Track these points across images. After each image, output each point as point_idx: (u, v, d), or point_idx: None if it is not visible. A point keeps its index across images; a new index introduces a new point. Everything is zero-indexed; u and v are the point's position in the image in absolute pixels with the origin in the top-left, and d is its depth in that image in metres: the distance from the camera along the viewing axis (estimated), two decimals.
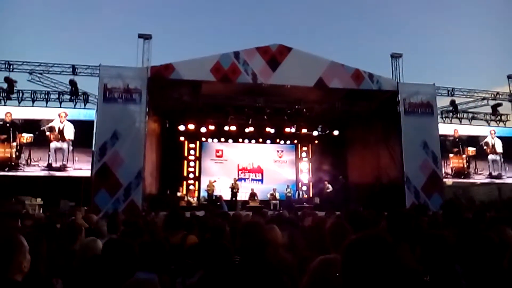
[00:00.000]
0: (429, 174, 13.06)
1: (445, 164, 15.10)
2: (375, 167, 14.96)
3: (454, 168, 15.74)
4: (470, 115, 16.77)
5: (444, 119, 16.20)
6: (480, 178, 16.39)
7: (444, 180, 14.50)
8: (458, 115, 16.49)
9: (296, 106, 14.34)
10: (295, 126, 16.84)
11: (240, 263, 2.04)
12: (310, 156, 18.94)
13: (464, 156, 15.93)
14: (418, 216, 3.77)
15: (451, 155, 15.69)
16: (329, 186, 15.89)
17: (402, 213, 2.89)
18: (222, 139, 17.64)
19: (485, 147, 16.32)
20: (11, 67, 12.97)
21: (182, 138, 17.23)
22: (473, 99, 16.47)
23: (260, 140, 17.80)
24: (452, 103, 15.95)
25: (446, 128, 15.65)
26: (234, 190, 15.49)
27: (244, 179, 17.42)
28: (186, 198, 15.36)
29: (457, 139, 15.95)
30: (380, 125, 14.64)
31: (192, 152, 17.70)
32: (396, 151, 13.47)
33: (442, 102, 16.02)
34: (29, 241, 1.93)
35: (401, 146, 13.04)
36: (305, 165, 18.86)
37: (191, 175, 17.47)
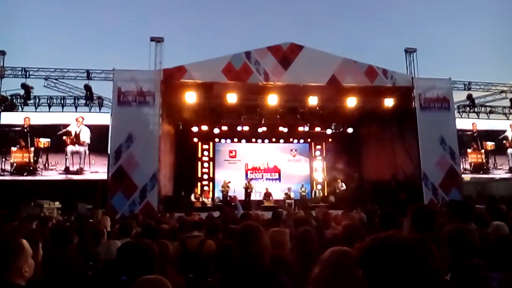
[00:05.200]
0: (447, 170, 12.81)
1: (463, 159, 14.79)
2: (391, 164, 14.75)
3: (472, 164, 15.40)
4: (488, 109, 16.40)
5: (461, 113, 15.89)
6: (499, 173, 16.01)
7: (463, 176, 14.21)
8: (476, 109, 16.14)
9: (309, 105, 14.22)
10: (308, 124, 16.74)
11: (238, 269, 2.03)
12: (324, 155, 18.80)
13: (482, 151, 15.58)
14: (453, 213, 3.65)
15: (469, 150, 15.36)
16: (343, 184, 15.74)
17: (428, 210, 2.82)
18: (235, 140, 17.66)
19: (504, 141, 15.93)
20: (28, 73, 13.24)
21: (195, 140, 17.32)
22: (491, 93, 16.10)
23: (273, 139, 17.75)
24: (469, 97, 15.63)
25: (463, 123, 15.33)
26: (248, 190, 15.48)
27: (257, 179, 17.38)
28: (201, 199, 15.42)
29: (475, 134, 15.61)
30: (395, 122, 14.43)
31: (205, 153, 17.79)
32: (412, 147, 13.26)
33: (459, 96, 15.71)
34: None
35: (417, 142, 12.82)
36: (319, 164, 18.73)
37: (205, 176, 17.55)
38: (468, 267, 2.08)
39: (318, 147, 18.84)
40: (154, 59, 13.11)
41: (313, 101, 13.52)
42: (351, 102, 13.55)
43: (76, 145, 13.19)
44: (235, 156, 17.96)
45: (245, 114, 15.08)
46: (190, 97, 12.80)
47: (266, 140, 17.75)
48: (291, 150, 18.43)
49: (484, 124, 16.03)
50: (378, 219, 3.21)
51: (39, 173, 13.19)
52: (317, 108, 14.78)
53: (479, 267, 2.14)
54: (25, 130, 13.23)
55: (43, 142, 13.16)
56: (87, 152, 13.22)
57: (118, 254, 2.24)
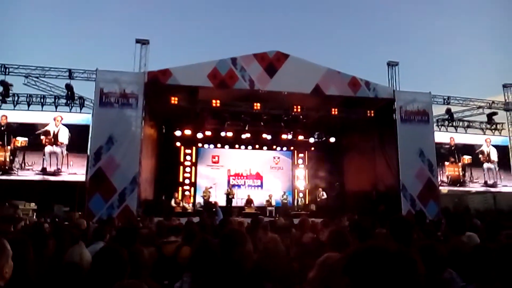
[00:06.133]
0: (425, 182, 13.08)
1: (441, 172, 15.14)
2: (371, 174, 14.96)
3: (450, 176, 15.78)
4: (466, 123, 16.85)
5: (440, 127, 16.27)
6: (475, 187, 16.44)
7: (440, 188, 14.52)
8: (454, 124, 16.57)
9: (293, 113, 14.35)
10: (291, 132, 16.84)
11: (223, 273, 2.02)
12: (306, 163, 18.91)
13: (459, 164, 15.98)
14: (418, 224, 3.75)
15: (446, 163, 15.74)
16: (324, 193, 15.86)
17: (405, 221, 2.87)
18: (219, 145, 17.59)
19: (480, 156, 16.39)
20: (7, 70, 12.89)
21: (178, 144, 17.16)
22: (469, 108, 16.57)
23: (257, 146, 17.77)
24: (448, 111, 16.04)
25: (442, 136, 15.72)
26: (230, 196, 15.41)
27: (239, 186, 17.33)
28: (181, 204, 15.25)
29: (453, 147, 16.02)
30: (376, 133, 14.67)
31: (188, 157, 17.61)
32: (392, 158, 13.49)
33: (438, 110, 16.12)
34: (16, 247, 1.87)
35: (397, 154, 13.07)
36: (301, 172, 18.82)
37: (187, 181, 17.37)
38: (438, 281, 2.13)
39: (301, 155, 18.94)
40: (139, 61, 13.00)
41: (296, 109, 13.64)
42: (334, 112, 13.73)
43: (54, 145, 12.88)
44: (217, 162, 17.86)
45: (229, 120, 15.06)
46: (174, 101, 12.73)
47: (250, 147, 17.75)
48: (274, 158, 18.46)
49: (461, 138, 16.47)
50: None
51: (15, 173, 12.82)
52: (301, 116, 14.92)
53: (448, 281, 2.19)
54: (2, 128, 12.87)
55: (20, 141, 12.82)
56: (65, 152, 12.93)
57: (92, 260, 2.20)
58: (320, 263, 1.75)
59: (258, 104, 13.52)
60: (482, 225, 4.36)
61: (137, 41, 13.15)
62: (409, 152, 13.08)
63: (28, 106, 13.53)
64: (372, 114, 13.96)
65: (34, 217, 12.70)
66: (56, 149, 12.87)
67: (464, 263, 2.33)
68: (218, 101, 13.30)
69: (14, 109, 13.46)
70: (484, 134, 17.03)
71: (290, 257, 2.90)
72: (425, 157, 13.24)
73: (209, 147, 17.73)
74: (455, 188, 16.38)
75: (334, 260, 1.72)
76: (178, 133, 15.99)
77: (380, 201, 13.52)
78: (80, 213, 11.84)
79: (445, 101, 15.85)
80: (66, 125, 13.13)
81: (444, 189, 15.77)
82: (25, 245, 2.25)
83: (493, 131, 17.14)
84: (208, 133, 16.18)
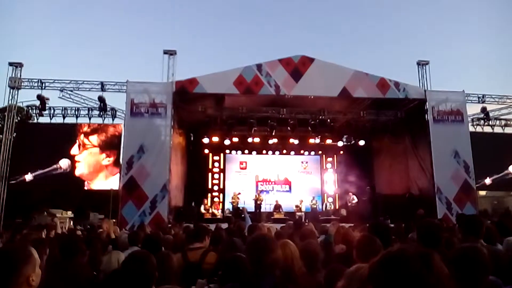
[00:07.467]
0: (461, 184, 12.56)
1: None
2: (404, 177, 14.53)
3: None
4: (503, 122, 16.04)
5: (475, 126, 15.57)
6: None
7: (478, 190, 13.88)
8: (490, 122, 15.81)
9: (320, 117, 14.19)
10: (319, 136, 16.65)
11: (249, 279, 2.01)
12: (335, 167, 18.63)
13: None
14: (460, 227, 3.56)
15: None
16: (354, 197, 15.52)
17: (433, 224, 2.76)
18: (246, 151, 17.67)
19: None
20: (43, 85, 13.50)
21: (206, 151, 17.39)
22: (506, 106, 15.76)
23: (284, 151, 17.70)
24: (483, 110, 15.32)
25: None
26: (258, 202, 15.39)
27: (267, 191, 17.29)
28: (210, 211, 15.39)
29: None
30: (408, 134, 14.26)
31: (216, 164, 17.82)
32: (426, 160, 13.05)
33: (473, 109, 15.42)
34: None
35: (431, 156, 12.64)
36: (330, 176, 18.55)
37: (216, 187, 17.55)
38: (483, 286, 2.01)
39: (329, 159, 18.69)
40: (167, 71, 13.27)
41: (324, 113, 13.49)
42: (363, 114, 13.48)
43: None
44: (245, 168, 17.94)
45: (256, 126, 15.09)
46: (202, 109, 12.92)
47: (277, 152, 17.71)
48: (302, 162, 18.32)
49: None
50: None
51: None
52: (328, 120, 14.72)
53: (495, 285, 2.08)
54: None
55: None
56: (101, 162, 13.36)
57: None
58: (349, 274, 1.70)
59: (285, 109, 13.49)
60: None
61: (165, 52, 13.45)
62: (443, 153, 12.61)
63: (64, 118, 14.11)
64: (403, 115, 13.58)
65: (71, 224, 13.22)
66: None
67: (502, 266, 2.21)
68: (244, 108, 13.37)
69: (50, 122, 14.09)
70: None
71: (319, 263, 2.82)
72: (461, 158, 12.71)
73: (236, 154, 17.84)
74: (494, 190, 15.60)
75: (365, 272, 1.67)
76: (206, 140, 16.19)
77: (414, 205, 13.08)
78: (114, 220, 12.18)
79: (480, 100, 15.15)
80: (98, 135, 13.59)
81: (481, 191, 15.06)
82: (39, 253, 2.30)
83: None
84: (235, 139, 16.28)
